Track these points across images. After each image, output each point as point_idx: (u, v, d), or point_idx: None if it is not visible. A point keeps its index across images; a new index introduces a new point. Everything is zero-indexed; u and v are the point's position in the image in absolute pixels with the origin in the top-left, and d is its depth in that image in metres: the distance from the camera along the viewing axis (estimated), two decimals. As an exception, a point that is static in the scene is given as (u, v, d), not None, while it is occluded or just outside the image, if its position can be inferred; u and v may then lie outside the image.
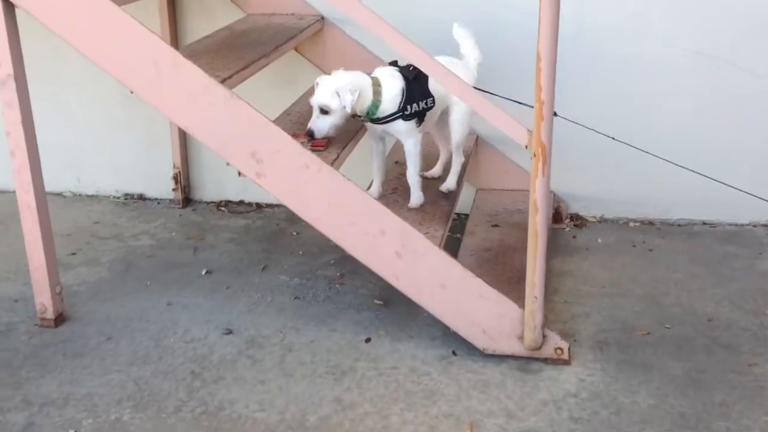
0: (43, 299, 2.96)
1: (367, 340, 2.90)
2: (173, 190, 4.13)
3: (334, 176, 2.64)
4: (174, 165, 4.09)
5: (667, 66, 3.58)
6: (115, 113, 4.14)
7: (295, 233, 3.84)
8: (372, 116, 2.84)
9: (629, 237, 3.68)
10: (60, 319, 3.01)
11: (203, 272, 3.44)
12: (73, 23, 2.60)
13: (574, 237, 3.69)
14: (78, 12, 2.59)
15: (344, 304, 3.16)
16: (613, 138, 2.87)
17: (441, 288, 2.69)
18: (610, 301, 3.12)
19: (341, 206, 2.67)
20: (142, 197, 4.26)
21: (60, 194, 4.31)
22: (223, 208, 4.14)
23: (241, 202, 4.18)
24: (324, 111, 2.76)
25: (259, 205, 4.14)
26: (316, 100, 2.78)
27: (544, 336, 2.66)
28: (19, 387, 2.65)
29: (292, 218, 3.97)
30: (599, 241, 3.65)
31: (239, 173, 2.72)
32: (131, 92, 2.68)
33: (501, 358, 2.72)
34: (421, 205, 2.99)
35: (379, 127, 2.89)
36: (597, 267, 3.40)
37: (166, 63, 2.60)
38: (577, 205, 3.85)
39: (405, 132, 2.87)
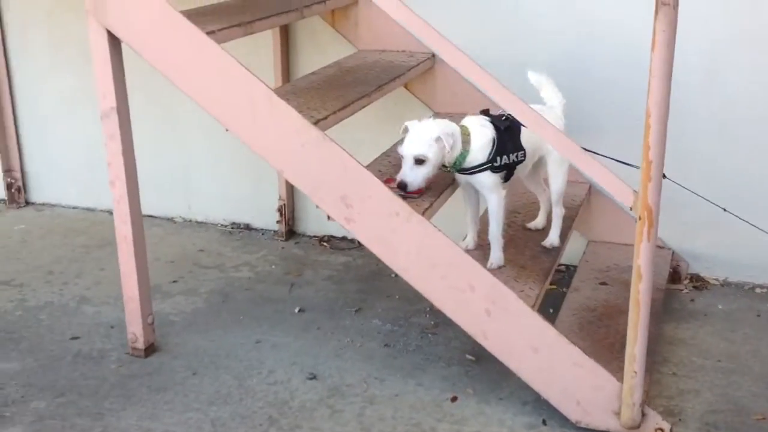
0: (135, 329, 2.97)
1: (453, 399, 2.75)
2: (278, 222, 4.12)
3: (425, 226, 2.52)
4: (280, 197, 4.08)
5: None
6: (228, 143, 4.16)
7: (393, 275, 3.72)
8: (458, 166, 2.69)
9: (754, 305, 3.37)
10: (150, 349, 3.02)
11: (296, 310, 3.39)
12: (173, 59, 2.61)
13: (692, 300, 3.41)
14: (178, 49, 2.59)
15: (434, 356, 3.03)
16: (724, 209, 2.64)
17: (533, 352, 2.51)
18: (725, 378, 2.84)
19: (430, 258, 2.54)
20: (248, 227, 4.27)
21: (171, 219, 4.38)
22: (325, 243, 4.09)
23: (344, 238, 4.12)
24: (419, 161, 2.63)
25: (361, 243, 4.06)
26: (410, 151, 2.64)
27: (643, 414, 2.43)
28: (100, 418, 2.66)
29: (394, 258, 3.88)
30: (719, 307, 3.36)
31: (328, 217, 2.65)
32: (226, 130, 2.65)
33: (594, 433, 2.52)
34: (500, 267, 2.79)
35: (463, 178, 2.75)
36: (715, 337, 3.12)
37: (262, 102, 2.56)
38: (699, 265, 3.57)
39: (489, 186, 2.71)
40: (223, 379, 2.87)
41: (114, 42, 2.66)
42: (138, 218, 2.88)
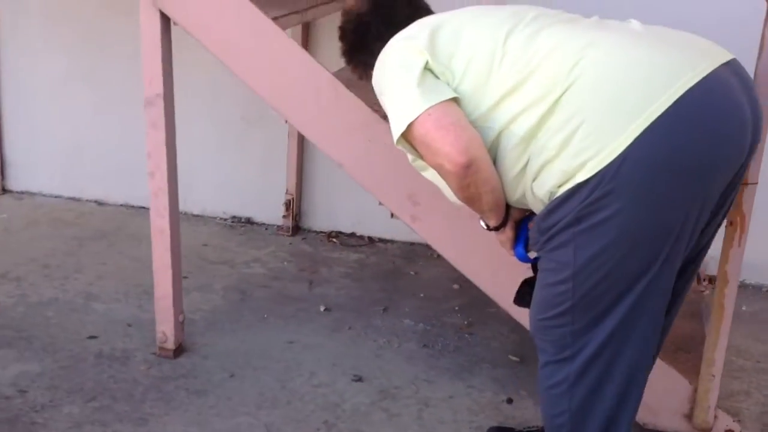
0: (165, 328, 2.80)
1: (509, 401, 2.68)
2: (284, 216, 3.97)
3: (499, 225, 2.44)
4: (287, 191, 3.93)
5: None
6: (229, 135, 4.01)
7: (413, 273, 3.65)
8: None
9: (776, 306, 3.43)
10: (179, 350, 2.85)
11: (322, 309, 3.26)
12: (234, 45, 2.46)
13: (714, 301, 3.44)
14: (241, 34, 2.44)
15: (477, 357, 2.95)
16: None
17: (603, 354, 2.46)
18: (771, 379, 2.86)
19: (502, 259, 2.45)
20: (250, 221, 4.10)
21: (165, 211, 4.17)
22: (334, 240, 3.96)
23: (353, 235, 4.00)
24: None
25: (371, 239, 3.96)
26: None
27: (715, 416, 2.42)
28: (143, 423, 2.48)
29: (408, 256, 3.80)
30: (744, 308, 3.39)
31: (392, 215, 2.55)
32: (285, 121, 2.51)
33: (662, 435, 2.50)
34: None
35: None
36: (748, 338, 3.14)
37: (328, 94, 2.43)
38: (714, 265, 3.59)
39: None
40: (264, 381, 2.73)
41: (165, 25, 2.49)
42: (175, 212, 2.71)
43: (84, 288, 3.33)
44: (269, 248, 3.83)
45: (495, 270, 2.48)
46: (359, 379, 2.77)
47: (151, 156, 2.61)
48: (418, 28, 1.94)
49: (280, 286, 3.45)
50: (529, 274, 2.06)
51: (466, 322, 3.20)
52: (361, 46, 2.15)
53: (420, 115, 1.77)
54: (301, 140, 3.87)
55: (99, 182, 4.23)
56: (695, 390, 2.40)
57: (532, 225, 1.99)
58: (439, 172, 1.85)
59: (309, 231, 4.04)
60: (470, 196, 1.85)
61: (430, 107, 1.78)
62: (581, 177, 1.70)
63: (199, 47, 2.50)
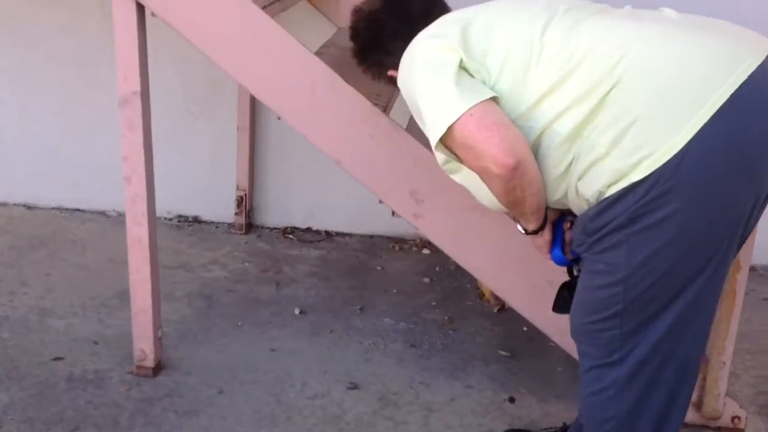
0: (144, 345, 2.60)
1: (511, 400, 2.63)
2: (236, 214, 3.78)
3: (503, 220, 2.36)
4: (238, 186, 3.74)
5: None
6: (170, 129, 3.77)
7: (379, 268, 3.54)
8: None
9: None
10: (158, 367, 2.65)
11: (296, 311, 3.11)
12: (222, 37, 2.27)
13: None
14: (228, 24, 2.26)
15: (466, 354, 2.88)
16: None
17: (613, 348, 2.43)
18: (754, 359, 2.92)
19: (506, 254, 2.39)
20: (197, 220, 3.89)
21: (103, 213, 3.90)
22: (290, 236, 3.80)
23: (308, 230, 3.85)
24: None
25: (329, 234, 3.83)
26: None
27: (723, 404, 2.44)
28: (138, 453, 2.30)
29: (370, 250, 3.70)
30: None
31: (393, 213, 2.43)
32: (278, 118, 2.35)
33: (669, 425, 2.49)
34: None
35: None
36: (722, 318, 3.20)
37: (324, 88, 2.29)
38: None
39: None
40: (256, 396, 2.58)
41: (141, 15, 2.27)
42: (153, 220, 2.51)
43: (35, 303, 3.06)
44: (225, 248, 3.64)
45: (501, 266, 2.41)
46: (355, 387, 2.65)
47: (128, 159, 2.40)
48: (445, 24, 1.84)
49: (246, 290, 3.28)
50: (554, 275, 1.99)
51: (446, 318, 3.13)
52: (376, 46, 2.03)
53: (461, 116, 1.67)
54: (253, 133, 3.68)
55: (27, 184, 3.91)
56: (704, 378, 2.41)
57: (567, 226, 1.93)
58: (482, 176, 1.75)
59: (262, 228, 3.86)
60: (514, 200, 1.76)
61: (471, 107, 1.68)
62: (636, 176, 1.64)
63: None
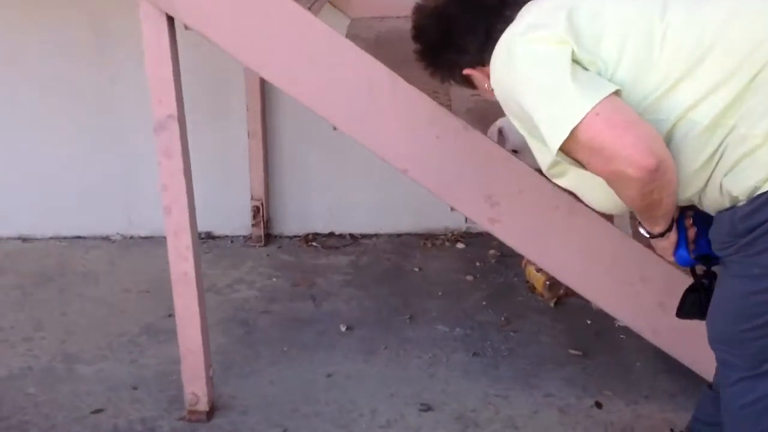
0: (196, 388, 2.36)
1: (598, 405, 2.44)
2: (253, 225, 3.53)
3: (589, 217, 2.16)
4: (253, 196, 3.49)
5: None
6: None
7: (417, 269, 3.33)
8: None
9: None
10: (212, 409, 2.42)
11: (343, 329, 2.89)
12: (266, 46, 2.02)
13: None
14: (273, 32, 2.00)
15: (536, 357, 2.69)
16: None
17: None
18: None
19: (594, 253, 2.19)
20: (210, 235, 3.63)
21: (107, 238, 3.62)
22: (313, 243, 3.57)
23: (332, 235, 3.62)
24: None
25: (353, 236, 3.60)
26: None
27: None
28: None
29: (400, 250, 3.49)
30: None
31: (466, 219, 2.22)
32: (334, 128, 2.11)
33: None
34: None
35: None
36: None
37: (384, 88, 2.05)
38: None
39: None
40: (326, 430, 2.35)
41: (172, 29, 2.01)
42: (198, 252, 2.26)
43: (57, 348, 2.79)
44: (246, 264, 3.39)
45: (588, 266, 2.21)
46: (428, 408, 2.45)
47: (168, 189, 2.16)
48: (544, 13, 1.61)
49: (283, 309, 3.04)
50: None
51: (503, 318, 2.93)
52: (446, 44, 1.78)
53: (586, 116, 1.45)
54: (265, 138, 3.43)
55: (20, 215, 3.61)
56: None
57: (689, 222, 1.73)
58: (612, 181, 1.53)
59: (282, 237, 3.62)
60: (650, 203, 1.56)
61: (596, 105, 1.46)
62: None
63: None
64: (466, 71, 1.78)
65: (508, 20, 1.66)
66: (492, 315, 2.96)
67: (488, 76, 1.72)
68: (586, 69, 1.53)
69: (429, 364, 2.67)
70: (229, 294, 3.15)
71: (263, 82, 3.29)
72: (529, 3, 1.69)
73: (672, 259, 1.76)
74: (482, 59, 1.73)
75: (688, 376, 2.45)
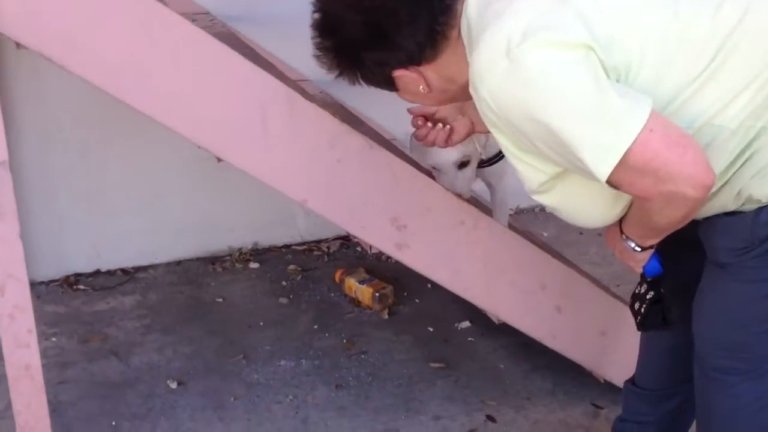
0: None
1: (491, 419, 2.33)
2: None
3: (492, 228, 2.02)
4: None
5: None
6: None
7: (220, 299, 2.93)
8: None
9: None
10: None
11: (173, 385, 2.43)
12: (134, 65, 1.55)
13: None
14: (142, 46, 1.54)
15: (401, 377, 2.51)
16: None
17: (600, 335, 2.25)
18: None
19: (499, 264, 2.06)
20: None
21: None
22: (79, 287, 2.96)
23: (98, 272, 3.04)
24: (463, 164, 1.98)
25: (125, 271, 3.05)
26: (451, 156, 1.94)
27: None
28: None
29: (190, 280, 3.07)
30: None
31: (370, 248, 1.95)
32: (219, 160, 1.70)
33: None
34: None
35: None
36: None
37: (280, 110, 1.70)
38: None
39: (502, 174, 2.18)
40: None
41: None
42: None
43: None
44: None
45: (491, 280, 2.08)
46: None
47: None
48: (546, 10, 1.34)
49: (82, 374, 2.48)
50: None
51: (344, 341, 2.69)
52: (374, 41, 1.45)
53: (639, 134, 1.28)
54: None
55: None
56: None
57: None
58: (662, 202, 1.36)
59: (35, 284, 2.90)
60: (683, 220, 1.42)
61: (648, 121, 1.29)
62: None
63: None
64: (398, 72, 1.49)
65: (454, 13, 1.43)
66: (331, 339, 2.70)
67: (424, 77, 1.47)
68: (608, 76, 1.34)
69: (294, 407, 2.35)
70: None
71: None
72: None
73: (640, 269, 1.67)
74: (420, 57, 1.46)
75: (555, 371, 2.46)
